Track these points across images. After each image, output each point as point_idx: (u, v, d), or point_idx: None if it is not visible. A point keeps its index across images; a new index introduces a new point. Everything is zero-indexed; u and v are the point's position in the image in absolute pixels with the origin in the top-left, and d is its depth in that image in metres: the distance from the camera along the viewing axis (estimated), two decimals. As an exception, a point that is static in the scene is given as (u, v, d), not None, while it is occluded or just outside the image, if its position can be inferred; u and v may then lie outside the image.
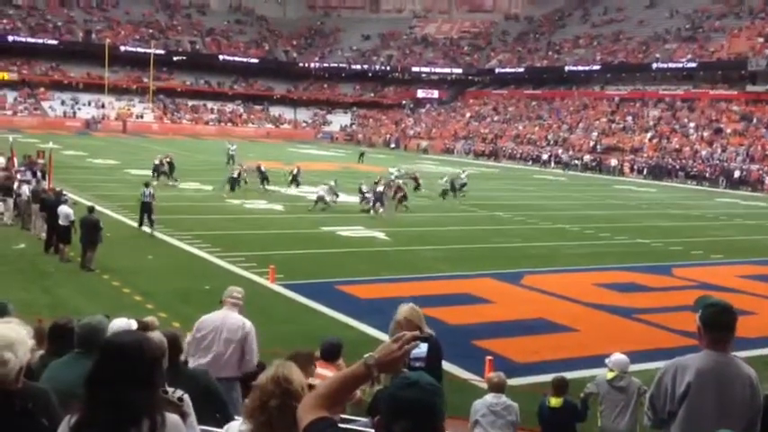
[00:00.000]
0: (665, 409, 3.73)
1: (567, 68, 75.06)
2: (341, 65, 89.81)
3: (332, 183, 28.20)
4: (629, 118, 64.71)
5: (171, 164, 33.41)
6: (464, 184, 34.03)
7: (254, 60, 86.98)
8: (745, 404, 3.69)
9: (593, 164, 56.70)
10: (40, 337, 4.58)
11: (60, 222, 17.35)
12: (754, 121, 56.94)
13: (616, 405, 7.66)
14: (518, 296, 16.24)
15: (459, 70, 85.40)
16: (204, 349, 6.66)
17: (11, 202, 21.88)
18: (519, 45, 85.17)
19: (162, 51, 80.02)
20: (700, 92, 64.01)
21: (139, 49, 78.94)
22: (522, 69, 79.48)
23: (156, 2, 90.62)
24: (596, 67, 72.90)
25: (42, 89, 75.72)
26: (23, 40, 75.98)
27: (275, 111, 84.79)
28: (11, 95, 73.11)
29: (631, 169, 54.51)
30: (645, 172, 53.13)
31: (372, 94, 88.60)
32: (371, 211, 26.88)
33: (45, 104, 74.25)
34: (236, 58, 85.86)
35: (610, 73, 72.34)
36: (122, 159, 42.47)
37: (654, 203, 35.93)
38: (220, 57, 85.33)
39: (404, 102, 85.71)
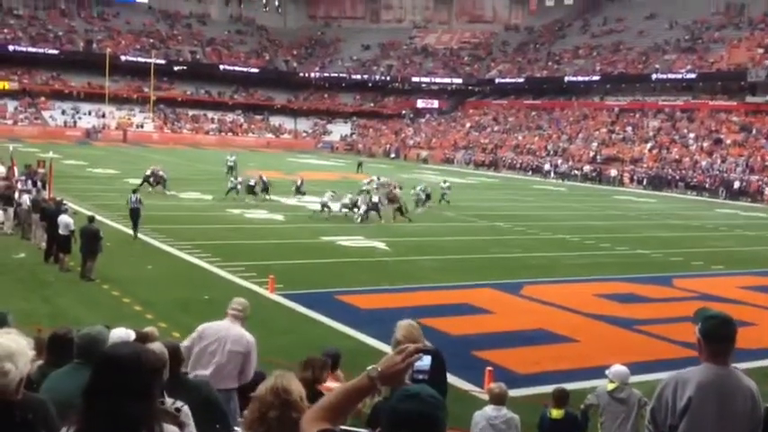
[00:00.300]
0: (666, 423, 3.72)
1: (566, 79, 75.20)
2: (341, 75, 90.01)
3: (331, 193, 28.41)
4: (629, 128, 64.80)
5: (160, 175, 33.15)
6: (445, 193, 33.58)
7: (255, 70, 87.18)
8: (746, 417, 3.69)
9: (593, 174, 56.76)
10: (39, 347, 4.57)
11: (60, 232, 17.35)
12: (754, 131, 57.02)
13: (617, 417, 7.64)
14: (518, 307, 16.22)
15: (459, 80, 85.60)
16: (207, 358, 6.63)
17: (11, 211, 21.87)
18: (519, 55, 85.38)
19: (162, 61, 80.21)
20: (699, 102, 64.11)
21: (140, 59, 79.11)
22: (521, 79, 79.66)
23: (156, 12, 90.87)
24: (596, 78, 73.06)
25: (43, 98, 75.86)
26: (24, 49, 76.17)
27: (275, 120, 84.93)
28: (11, 105, 73.25)
29: (631, 180, 54.54)
30: (645, 182, 53.15)
31: (372, 104, 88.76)
32: (360, 219, 27.17)
33: (46, 114, 74.37)
34: (237, 68, 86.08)
35: (609, 83, 72.48)
36: (122, 169, 42.49)
37: (654, 214, 35.93)
38: (221, 66, 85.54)
39: (404, 111, 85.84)
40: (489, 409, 7.10)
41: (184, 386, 4.84)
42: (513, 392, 8.45)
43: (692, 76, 65.49)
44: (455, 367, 10.36)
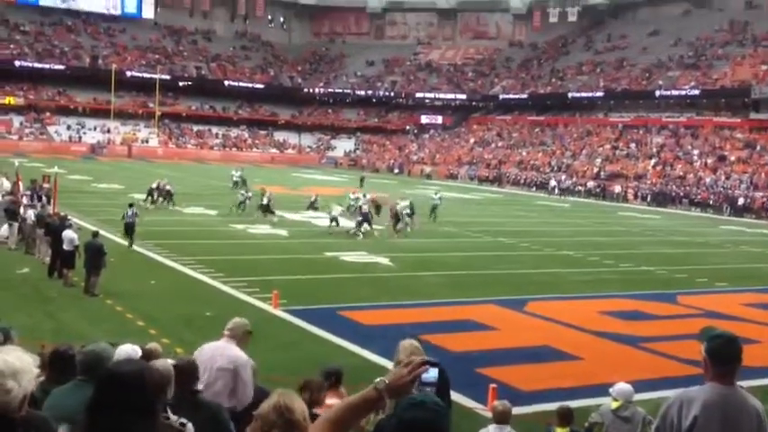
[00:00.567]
0: (670, 442, 3.70)
1: (570, 95, 75.36)
2: (345, 90, 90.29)
3: (340, 208, 28.69)
4: (633, 145, 64.81)
5: (167, 190, 33.23)
6: (435, 205, 33.41)
7: (260, 86, 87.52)
8: (752, 437, 3.67)
9: (597, 190, 56.74)
10: (42, 363, 4.57)
11: (64, 247, 17.36)
12: (758, 148, 56.98)
13: (621, 435, 7.59)
14: (522, 323, 16.17)
15: (463, 96, 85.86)
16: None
17: (16, 226, 21.91)
18: (523, 71, 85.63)
19: (168, 77, 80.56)
20: (703, 119, 64.14)
21: (145, 75, 79.45)
22: (525, 96, 79.87)
23: (162, 28, 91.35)
24: (599, 94, 73.20)
25: (48, 114, 76.15)
26: (30, 65, 76.62)
27: (280, 136, 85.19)
28: (17, 120, 73.55)
29: (635, 196, 54.51)
30: (649, 199, 53.13)
31: (376, 120, 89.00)
32: (359, 233, 27.18)
33: (51, 129, 74.67)
34: (242, 84, 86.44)
35: (613, 100, 72.62)
36: (127, 184, 42.58)
37: (658, 230, 35.87)
38: (226, 82, 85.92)
39: (408, 127, 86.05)
40: (493, 428, 7.04)
41: (193, 403, 4.81)
42: (516, 410, 8.41)
43: (696, 92, 65.51)
44: (458, 384, 10.33)
